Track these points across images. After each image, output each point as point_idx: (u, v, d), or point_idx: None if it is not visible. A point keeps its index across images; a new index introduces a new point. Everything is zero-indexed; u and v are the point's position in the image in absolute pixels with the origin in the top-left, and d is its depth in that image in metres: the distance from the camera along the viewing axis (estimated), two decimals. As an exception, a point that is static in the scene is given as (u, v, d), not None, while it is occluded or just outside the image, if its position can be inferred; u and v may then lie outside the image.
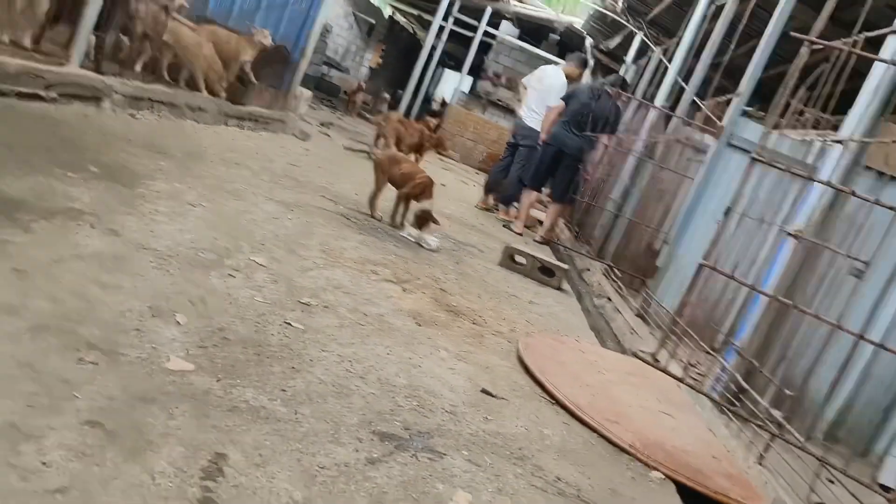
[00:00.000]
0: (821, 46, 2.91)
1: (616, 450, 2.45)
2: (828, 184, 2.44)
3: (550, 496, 1.92)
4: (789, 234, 3.04)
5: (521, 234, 7.23)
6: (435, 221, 4.58)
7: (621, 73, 11.36)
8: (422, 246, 4.51)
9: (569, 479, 2.07)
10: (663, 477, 2.36)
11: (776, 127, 3.36)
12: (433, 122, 8.82)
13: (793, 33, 2.52)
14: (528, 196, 7.52)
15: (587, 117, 6.96)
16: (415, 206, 4.70)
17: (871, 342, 2.17)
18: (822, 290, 2.75)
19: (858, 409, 2.97)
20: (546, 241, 7.23)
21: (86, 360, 1.62)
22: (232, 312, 2.25)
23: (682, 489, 2.34)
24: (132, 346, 1.78)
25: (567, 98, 7.30)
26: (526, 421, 2.38)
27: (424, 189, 4.68)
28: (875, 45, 3.18)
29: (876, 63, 2.85)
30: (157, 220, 2.82)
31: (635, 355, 3.51)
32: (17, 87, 3.62)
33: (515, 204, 8.19)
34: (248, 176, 4.43)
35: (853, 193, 2.23)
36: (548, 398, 2.69)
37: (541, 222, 8.08)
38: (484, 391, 2.48)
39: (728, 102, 4.60)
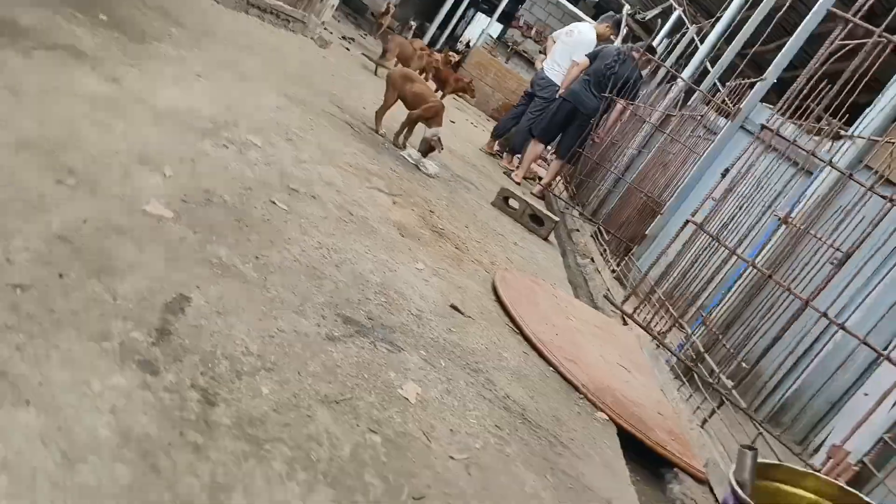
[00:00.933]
0: (851, 44, 2.87)
1: (568, 387, 2.51)
2: (829, 163, 2.44)
3: (496, 409, 1.97)
4: (779, 219, 3.06)
5: (519, 184, 7.20)
6: (440, 147, 4.54)
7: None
8: (419, 169, 4.49)
9: (517, 399, 2.12)
10: (607, 419, 2.42)
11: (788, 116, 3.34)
12: (454, 56, 8.64)
13: (831, 8, 2.48)
14: (535, 147, 7.46)
15: (609, 79, 6.86)
16: (421, 129, 4.66)
17: (834, 322, 2.20)
18: (800, 276, 2.78)
19: (806, 397, 3.05)
20: (542, 195, 7.22)
21: (65, 183, 1.62)
22: (219, 179, 2.24)
23: (624, 436, 2.40)
24: (114, 182, 1.77)
25: (592, 56, 7.18)
26: (487, 341, 2.42)
27: (436, 113, 4.62)
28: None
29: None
30: (160, 80, 2.78)
31: (606, 297, 3.55)
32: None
33: (519, 155, 8.14)
34: (259, 65, 4.35)
35: (850, 176, 2.23)
36: (513, 328, 2.73)
37: (541, 178, 8.05)
38: (453, 306, 2.51)
39: (750, 87, 4.54)
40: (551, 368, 2.57)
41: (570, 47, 7.61)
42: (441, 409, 1.76)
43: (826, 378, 2.87)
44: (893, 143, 2.76)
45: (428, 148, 4.51)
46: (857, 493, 1.58)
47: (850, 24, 2.79)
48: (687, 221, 2.84)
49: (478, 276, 3.09)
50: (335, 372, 1.60)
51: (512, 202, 5.14)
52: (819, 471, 1.91)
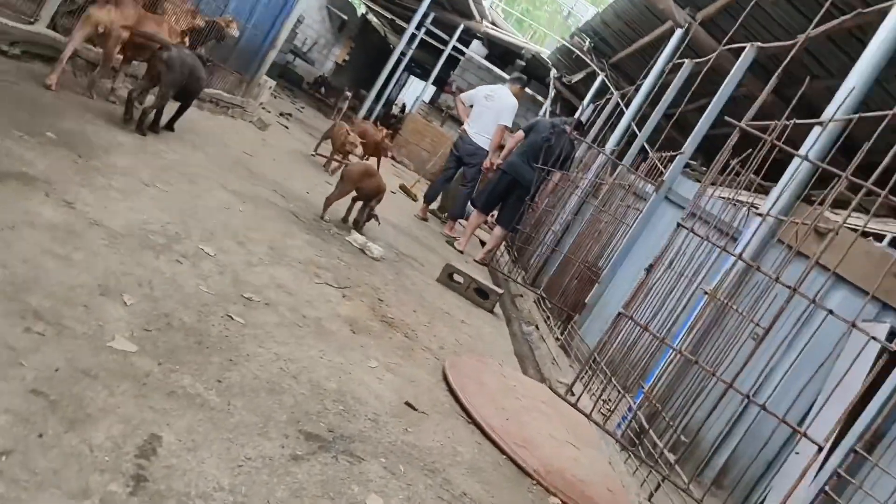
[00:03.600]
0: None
1: (521, 473, 2.63)
2: (738, 257, 2.71)
3: (455, 509, 2.08)
4: (705, 293, 3.31)
5: (462, 252, 7.42)
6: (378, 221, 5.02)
7: (576, 115, 11.78)
8: (365, 253, 4.63)
9: (474, 495, 2.23)
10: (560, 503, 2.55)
11: (713, 183, 3.65)
12: (385, 131, 8.80)
13: (727, 118, 2.78)
14: (477, 218, 7.72)
15: (544, 151, 7.23)
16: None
17: (756, 402, 2.42)
18: (725, 349, 3.02)
19: (743, 460, 3.25)
20: (485, 263, 7.44)
21: (33, 330, 1.69)
22: (177, 299, 2.33)
23: (576, 516, 2.53)
24: (79, 320, 1.85)
25: (528, 129, 7.57)
26: (442, 437, 2.53)
27: (382, 199, 5.06)
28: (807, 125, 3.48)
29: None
30: (112, 196, 2.86)
31: (550, 388, 3.72)
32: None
33: (462, 222, 8.40)
34: (202, 160, 4.45)
35: (758, 269, 2.48)
36: (465, 417, 2.85)
37: (483, 243, 8.31)
38: (407, 404, 2.62)
39: (672, 158, 4.90)
40: (504, 456, 2.69)
41: (494, 112, 7.94)
42: (403, 518, 1.86)
43: (758, 445, 3.08)
44: (797, 223, 3.06)
45: (368, 218, 4.95)
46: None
47: (763, 103, 3.11)
48: (619, 314, 3.06)
49: (428, 364, 3.21)
50: (301, 495, 1.69)
51: (457, 277, 5.32)
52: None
